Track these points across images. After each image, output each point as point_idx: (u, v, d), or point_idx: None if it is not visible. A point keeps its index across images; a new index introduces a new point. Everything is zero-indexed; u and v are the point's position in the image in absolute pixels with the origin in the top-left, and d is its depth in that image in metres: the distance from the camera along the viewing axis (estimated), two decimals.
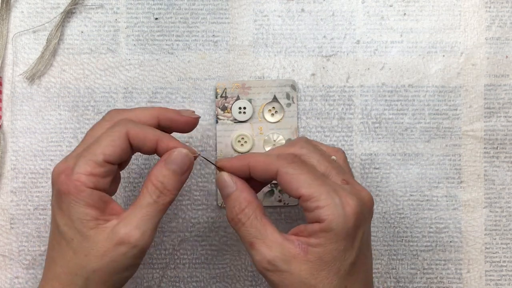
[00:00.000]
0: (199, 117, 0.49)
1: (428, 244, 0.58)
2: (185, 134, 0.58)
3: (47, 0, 0.58)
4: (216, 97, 0.58)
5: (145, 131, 0.46)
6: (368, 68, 0.58)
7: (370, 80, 0.58)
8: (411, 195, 0.58)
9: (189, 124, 0.48)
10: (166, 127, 0.48)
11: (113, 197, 0.58)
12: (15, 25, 0.58)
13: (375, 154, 0.58)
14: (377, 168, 0.58)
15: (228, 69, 0.58)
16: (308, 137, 0.58)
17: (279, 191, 0.58)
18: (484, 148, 0.58)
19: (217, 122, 0.58)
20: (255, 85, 0.58)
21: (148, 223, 0.44)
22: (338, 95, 0.58)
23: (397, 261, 0.58)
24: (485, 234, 0.58)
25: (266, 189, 0.57)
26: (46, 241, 0.57)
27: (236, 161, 0.46)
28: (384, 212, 0.58)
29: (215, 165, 0.48)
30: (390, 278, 0.58)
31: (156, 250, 0.58)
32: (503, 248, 0.58)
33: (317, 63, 0.58)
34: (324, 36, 0.58)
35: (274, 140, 0.58)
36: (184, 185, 0.57)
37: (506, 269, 0.58)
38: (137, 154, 0.57)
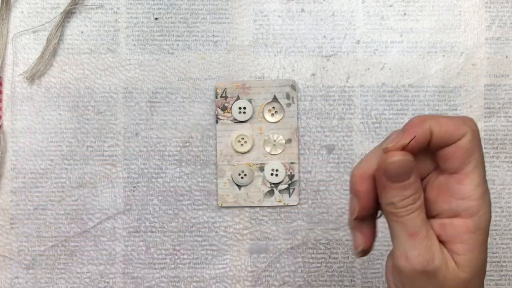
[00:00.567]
0: None
1: None
2: (185, 134, 0.58)
3: (47, 0, 0.58)
4: (216, 97, 0.58)
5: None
6: (368, 68, 0.58)
7: (370, 80, 0.58)
8: None
9: None
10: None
11: (113, 196, 0.58)
12: (15, 25, 0.58)
13: None
14: None
15: (228, 69, 0.58)
16: (308, 137, 0.58)
17: (279, 191, 0.58)
18: (484, 148, 0.58)
19: (217, 122, 0.58)
20: (255, 85, 0.58)
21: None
22: (338, 95, 0.58)
23: None
24: None
25: (266, 189, 0.58)
26: (46, 241, 0.58)
27: (414, 129, 0.37)
28: None
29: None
30: None
31: (156, 250, 0.58)
32: (503, 248, 0.58)
33: (317, 63, 0.58)
34: (324, 36, 0.58)
35: (274, 140, 0.58)
36: (185, 185, 0.57)
37: (506, 269, 0.58)
38: (137, 154, 0.58)
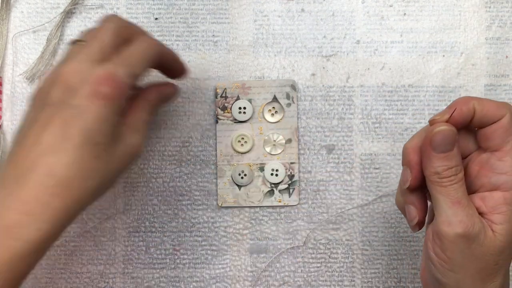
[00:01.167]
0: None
1: None
2: (185, 134, 0.58)
3: (47, 0, 0.58)
4: (216, 97, 0.58)
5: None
6: (368, 68, 0.58)
7: (370, 80, 0.58)
8: None
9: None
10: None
11: (113, 196, 0.58)
12: (15, 25, 0.58)
13: (375, 154, 0.58)
14: (377, 168, 0.58)
15: (228, 69, 0.58)
16: (308, 137, 0.58)
17: (279, 191, 0.58)
18: None
19: (217, 122, 0.58)
20: (255, 85, 0.58)
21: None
22: (338, 95, 0.58)
23: (398, 261, 0.58)
24: None
25: (266, 189, 0.58)
26: None
27: (460, 106, 0.42)
28: (385, 212, 0.58)
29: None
30: (391, 278, 0.58)
31: (156, 250, 0.58)
32: None
33: (317, 63, 0.58)
34: (324, 36, 0.58)
35: (274, 140, 0.58)
36: (184, 185, 0.57)
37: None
38: None
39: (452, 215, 0.40)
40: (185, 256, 0.58)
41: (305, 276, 0.58)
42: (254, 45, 0.58)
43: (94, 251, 0.58)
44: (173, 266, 0.58)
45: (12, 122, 0.58)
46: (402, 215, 0.58)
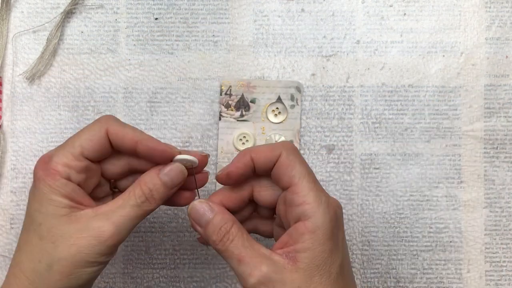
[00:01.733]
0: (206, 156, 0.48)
1: (428, 244, 0.58)
2: (185, 134, 0.58)
3: (47, 0, 0.58)
4: (221, 94, 0.58)
5: (125, 130, 0.45)
6: (368, 68, 0.58)
7: (370, 80, 0.58)
8: (411, 195, 0.58)
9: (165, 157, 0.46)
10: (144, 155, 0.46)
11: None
12: (15, 25, 0.58)
13: (375, 154, 0.58)
14: (377, 168, 0.58)
15: (228, 69, 0.58)
16: (308, 137, 0.58)
17: None
18: (484, 148, 0.58)
19: (220, 119, 0.58)
20: (260, 85, 0.58)
21: (126, 224, 0.44)
22: (338, 95, 0.58)
23: (397, 261, 0.58)
24: (485, 234, 0.58)
25: None
26: None
27: (238, 159, 0.45)
28: (384, 212, 0.58)
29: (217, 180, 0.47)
30: (390, 278, 0.58)
31: (156, 250, 0.58)
32: (503, 248, 0.58)
33: (317, 63, 0.58)
34: (324, 36, 0.58)
35: (276, 141, 0.58)
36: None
37: (506, 269, 0.58)
38: None
39: (242, 273, 0.42)
40: (185, 256, 0.58)
41: None
42: (254, 45, 0.58)
43: None
44: (173, 266, 0.58)
45: (12, 122, 0.58)
46: (402, 215, 0.58)
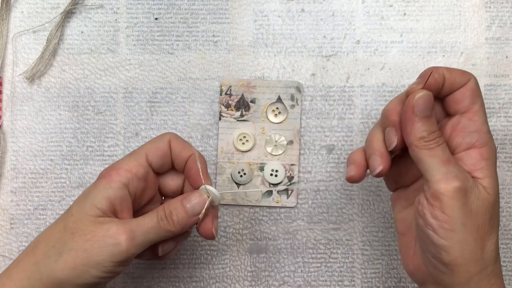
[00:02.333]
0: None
1: None
2: (185, 134, 0.58)
3: (47, 0, 0.58)
4: (221, 94, 0.58)
5: (184, 143, 0.48)
6: (368, 68, 0.58)
7: (370, 80, 0.58)
8: None
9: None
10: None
11: None
12: (15, 25, 0.58)
13: None
14: None
15: (228, 69, 0.58)
16: (308, 137, 0.58)
17: (278, 192, 0.58)
18: None
19: (220, 119, 0.58)
20: (260, 85, 0.58)
21: (141, 234, 0.45)
22: (338, 95, 0.58)
23: (398, 261, 0.58)
24: None
25: (264, 189, 0.57)
26: None
27: (427, 75, 0.44)
28: (385, 212, 0.58)
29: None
30: (391, 278, 0.58)
31: None
32: (503, 248, 0.58)
33: (317, 63, 0.58)
34: (324, 36, 0.58)
35: (276, 141, 0.58)
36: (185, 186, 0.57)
37: (506, 269, 0.58)
38: None
39: (447, 172, 0.42)
40: (185, 256, 0.58)
41: (305, 276, 0.58)
42: (254, 45, 0.58)
43: None
44: (172, 266, 0.58)
45: (12, 122, 0.58)
46: None
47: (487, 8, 0.58)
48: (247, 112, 0.58)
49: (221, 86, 0.58)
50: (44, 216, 0.58)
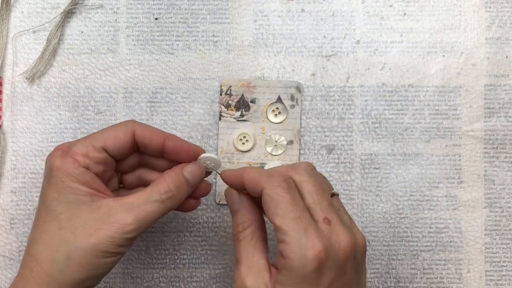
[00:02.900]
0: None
1: (428, 244, 0.58)
2: (185, 134, 0.58)
3: (47, 0, 0.58)
4: (221, 94, 0.58)
5: (153, 129, 0.47)
6: (368, 68, 0.58)
7: (370, 80, 0.58)
8: (411, 195, 0.58)
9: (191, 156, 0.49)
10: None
11: None
12: (15, 25, 0.58)
13: (375, 154, 0.58)
14: (377, 168, 0.58)
15: (228, 69, 0.58)
16: (308, 137, 0.58)
17: None
18: (484, 148, 0.58)
19: (220, 119, 0.58)
20: (260, 85, 0.58)
21: (147, 219, 0.44)
22: (338, 95, 0.58)
23: (397, 261, 0.58)
24: (485, 234, 0.58)
25: None
26: None
27: (233, 174, 0.46)
28: (384, 212, 0.58)
29: (218, 172, 0.48)
30: (390, 278, 0.58)
31: (156, 250, 0.58)
32: (503, 248, 0.58)
33: (317, 63, 0.58)
34: (324, 36, 0.58)
35: (276, 141, 0.58)
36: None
37: (506, 269, 0.58)
38: None
39: (234, 273, 0.44)
40: (185, 256, 0.58)
41: None
42: (254, 45, 0.58)
43: None
44: (173, 266, 0.58)
45: (12, 122, 0.58)
46: (402, 215, 0.58)
47: (487, 8, 0.58)
48: (247, 112, 0.58)
49: (221, 86, 0.58)
50: None
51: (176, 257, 0.58)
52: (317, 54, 0.58)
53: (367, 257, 0.58)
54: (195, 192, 0.48)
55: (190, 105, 0.58)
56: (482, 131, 0.58)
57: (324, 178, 0.47)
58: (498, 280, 0.58)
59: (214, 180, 0.58)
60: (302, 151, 0.58)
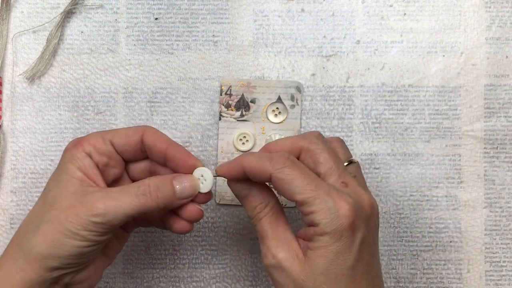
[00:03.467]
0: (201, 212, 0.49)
1: (428, 244, 0.58)
2: (185, 134, 0.58)
3: (47, 0, 0.58)
4: (221, 94, 0.58)
5: (159, 135, 0.48)
6: (368, 68, 0.58)
7: (370, 80, 0.58)
8: (411, 195, 0.58)
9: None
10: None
11: None
12: (15, 25, 0.58)
13: (375, 154, 0.58)
14: (377, 168, 0.58)
15: (228, 69, 0.58)
16: None
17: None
18: (484, 148, 0.58)
19: (220, 119, 0.58)
20: (260, 85, 0.58)
21: (118, 208, 0.44)
22: (338, 95, 0.58)
23: (397, 261, 0.58)
24: (485, 234, 0.58)
25: None
26: None
27: (232, 167, 0.45)
28: (384, 212, 0.58)
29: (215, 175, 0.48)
30: (390, 278, 0.58)
31: (156, 250, 0.58)
32: (503, 248, 0.58)
33: (317, 63, 0.58)
34: (324, 36, 0.58)
35: None
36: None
37: (506, 269, 0.58)
38: None
39: (261, 250, 0.45)
40: (185, 256, 0.58)
41: None
42: (254, 45, 0.58)
43: None
44: (173, 266, 0.58)
45: (12, 122, 0.58)
46: (402, 215, 0.58)
47: (487, 8, 0.58)
48: (247, 112, 0.58)
49: (221, 86, 0.58)
50: None
51: (176, 257, 0.58)
52: (317, 54, 0.58)
53: None
54: (183, 213, 0.48)
55: (190, 105, 0.58)
56: (482, 131, 0.58)
57: (342, 145, 0.49)
58: (498, 280, 0.58)
59: (214, 180, 0.58)
60: None
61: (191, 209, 0.47)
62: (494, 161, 0.58)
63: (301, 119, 0.58)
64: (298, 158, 0.45)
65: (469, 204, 0.58)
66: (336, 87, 0.58)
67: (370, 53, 0.58)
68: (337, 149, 0.47)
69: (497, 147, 0.58)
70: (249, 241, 0.58)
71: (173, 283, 0.58)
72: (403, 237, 0.58)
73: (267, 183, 0.46)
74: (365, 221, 0.43)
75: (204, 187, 0.47)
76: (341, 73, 0.58)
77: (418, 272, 0.58)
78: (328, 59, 0.58)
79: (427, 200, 0.58)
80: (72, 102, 0.58)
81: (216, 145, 0.58)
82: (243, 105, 0.58)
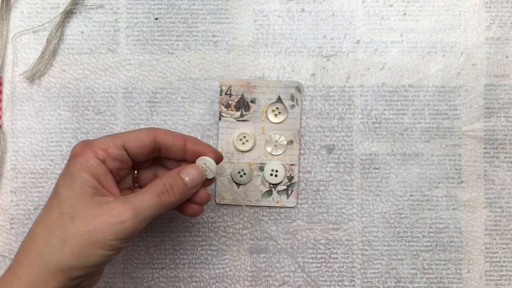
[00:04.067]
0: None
1: (428, 244, 0.58)
2: (185, 134, 0.58)
3: (47, 0, 0.58)
4: (221, 94, 0.58)
5: (173, 133, 0.49)
6: (368, 68, 0.58)
7: (370, 80, 0.58)
8: (411, 195, 0.58)
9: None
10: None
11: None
12: (15, 25, 0.58)
13: (375, 154, 0.58)
14: (377, 168, 0.58)
15: (228, 69, 0.58)
16: (308, 137, 0.58)
17: (278, 192, 0.58)
18: (484, 148, 0.58)
19: (220, 119, 0.58)
20: (260, 85, 0.58)
21: (144, 210, 0.45)
22: (338, 95, 0.58)
23: (397, 261, 0.58)
24: (485, 234, 0.58)
25: (264, 189, 0.57)
26: None
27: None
28: (384, 212, 0.58)
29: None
30: (390, 278, 0.58)
31: (156, 250, 0.58)
32: (503, 248, 0.58)
33: (317, 63, 0.58)
34: (324, 36, 0.58)
35: (276, 141, 0.58)
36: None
37: (506, 269, 0.58)
38: None
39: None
40: (185, 256, 0.58)
41: (305, 276, 0.58)
42: (254, 45, 0.58)
43: None
44: (172, 266, 0.58)
45: (12, 122, 0.58)
46: (402, 215, 0.58)
47: (487, 8, 0.58)
48: (247, 112, 0.58)
49: (221, 86, 0.58)
50: None
51: (176, 257, 0.58)
52: (317, 54, 0.58)
53: (367, 257, 0.58)
54: (195, 199, 0.50)
55: (190, 105, 0.58)
56: (482, 131, 0.58)
57: None
58: (498, 280, 0.58)
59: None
60: (302, 151, 0.58)
61: (201, 194, 0.50)
62: (494, 161, 0.58)
63: (301, 119, 0.58)
64: None
65: (469, 204, 0.58)
66: (336, 87, 0.58)
67: (370, 53, 0.58)
68: None
69: (497, 147, 0.58)
70: (249, 241, 0.58)
71: (173, 283, 0.58)
72: (403, 237, 0.58)
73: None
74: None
75: (210, 174, 0.49)
76: (341, 73, 0.58)
77: (418, 272, 0.58)
78: (328, 59, 0.58)
79: (427, 200, 0.58)
80: (72, 102, 0.58)
81: (216, 145, 0.58)
82: (243, 105, 0.58)
